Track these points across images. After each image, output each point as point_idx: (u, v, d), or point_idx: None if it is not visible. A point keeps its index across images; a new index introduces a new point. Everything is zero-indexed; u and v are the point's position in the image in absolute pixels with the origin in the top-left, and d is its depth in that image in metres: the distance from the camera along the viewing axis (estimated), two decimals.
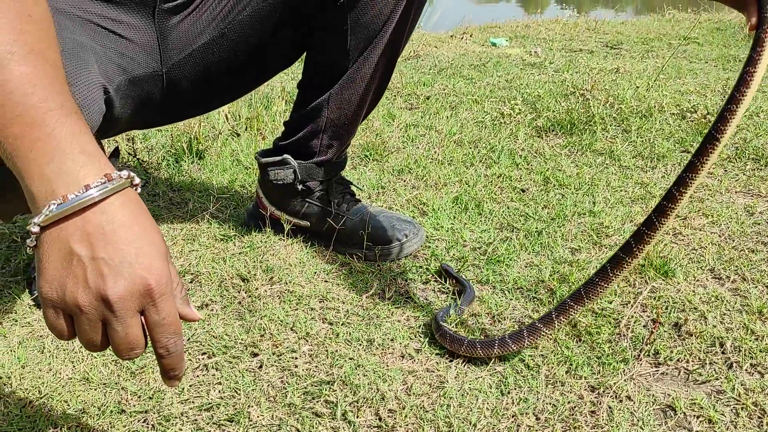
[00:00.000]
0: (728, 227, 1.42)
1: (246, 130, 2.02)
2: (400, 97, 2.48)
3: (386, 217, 1.36)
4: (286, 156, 1.33)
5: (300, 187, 1.34)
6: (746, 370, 0.98)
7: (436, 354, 1.05)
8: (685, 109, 2.17)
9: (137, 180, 0.61)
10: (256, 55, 1.22)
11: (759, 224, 1.44)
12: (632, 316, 1.11)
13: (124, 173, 0.59)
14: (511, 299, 1.19)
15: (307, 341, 1.08)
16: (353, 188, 1.43)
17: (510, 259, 1.30)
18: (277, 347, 1.06)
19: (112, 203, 0.57)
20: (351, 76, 1.22)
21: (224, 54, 1.19)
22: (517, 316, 1.14)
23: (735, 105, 0.83)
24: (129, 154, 1.81)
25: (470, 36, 4.12)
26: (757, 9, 0.83)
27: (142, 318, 0.59)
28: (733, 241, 1.37)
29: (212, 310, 1.17)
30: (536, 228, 1.42)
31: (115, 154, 1.27)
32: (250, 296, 1.19)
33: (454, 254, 1.33)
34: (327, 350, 1.05)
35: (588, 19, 4.47)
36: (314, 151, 1.32)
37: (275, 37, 1.20)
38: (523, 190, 1.63)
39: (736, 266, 1.26)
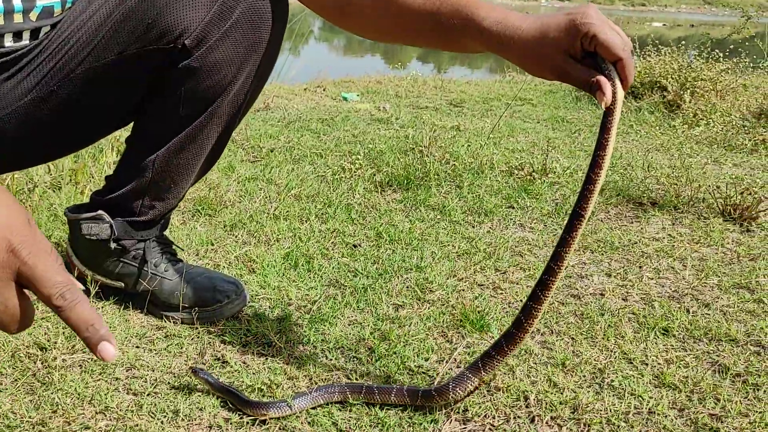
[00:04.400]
0: None
1: (69, 182, 1.89)
2: (243, 150, 2.45)
3: (207, 278, 1.30)
4: (100, 212, 1.25)
5: (114, 245, 1.26)
6: (546, 422, 1.02)
7: (247, 423, 1.01)
8: (513, 166, 2.30)
9: None
10: (87, 114, 1.16)
11: (570, 277, 1.53)
12: (446, 373, 1.13)
13: None
14: (332, 359, 1.17)
15: (105, 415, 1.00)
16: (175, 248, 1.36)
17: (334, 317, 1.29)
18: (69, 424, 0.97)
19: None
20: (182, 142, 1.18)
21: (53, 112, 1.11)
22: (336, 377, 1.12)
23: (592, 185, 0.91)
24: None
25: (324, 90, 4.19)
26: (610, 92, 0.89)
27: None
28: None
29: (0, 384, 1.05)
30: (363, 284, 1.43)
31: None
32: (46, 367, 1.09)
33: (277, 314, 1.30)
34: (126, 425, 0.98)
35: (436, 77, 4.70)
36: (134, 211, 1.25)
37: (108, 97, 1.14)
38: (355, 246, 1.64)
39: (547, 319, 1.33)
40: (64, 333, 1.17)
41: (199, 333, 1.23)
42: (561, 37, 0.91)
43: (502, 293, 1.44)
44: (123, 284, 1.30)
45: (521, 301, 1.40)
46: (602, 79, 0.89)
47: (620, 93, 0.90)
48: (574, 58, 0.92)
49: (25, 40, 1.05)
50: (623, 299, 1.44)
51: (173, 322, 1.26)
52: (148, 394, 1.05)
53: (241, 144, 2.51)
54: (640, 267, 1.60)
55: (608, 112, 0.90)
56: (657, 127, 3.14)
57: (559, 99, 3.96)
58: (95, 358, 1.10)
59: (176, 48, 1.09)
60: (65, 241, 1.54)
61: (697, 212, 1.98)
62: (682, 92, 3.41)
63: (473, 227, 1.82)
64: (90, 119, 1.19)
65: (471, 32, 0.97)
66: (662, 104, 3.46)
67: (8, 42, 1.03)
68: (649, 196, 2.08)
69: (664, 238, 1.79)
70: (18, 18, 1.01)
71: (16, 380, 1.06)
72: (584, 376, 1.14)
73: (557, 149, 2.67)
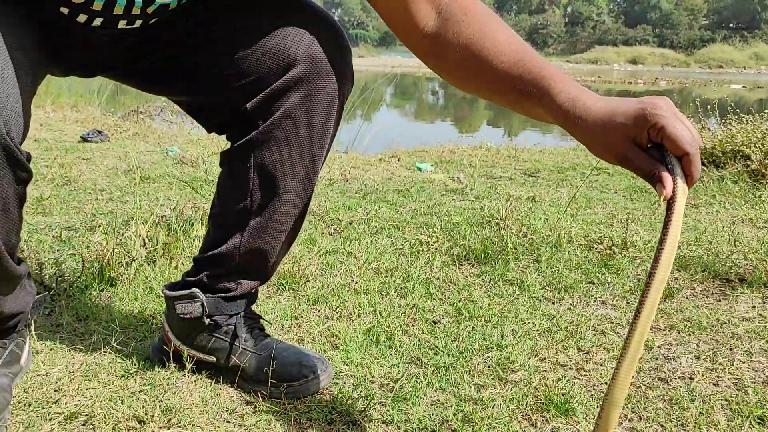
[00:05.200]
0: None
1: (163, 255, 2.00)
2: (323, 222, 2.53)
3: (294, 353, 1.35)
4: (194, 290, 1.32)
5: (207, 321, 1.33)
6: None
7: None
8: (591, 240, 2.28)
9: None
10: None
11: (657, 359, 1.50)
12: None
13: None
14: None
15: None
16: (263, 322, 1.42)
17: (416, 397, 1.30)
18: None
19: None
20: (262, 225, 1.26)
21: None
22: None
23: (651, 279, 0.84)
24: (36, 282, 1.76)
25: (398, 159, 4.29)
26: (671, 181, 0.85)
27: None
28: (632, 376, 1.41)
29: None
30: (444, 363, 1.44)
31: (39, 303, 1.33)
32: None
33: (361, 392, 1.32)
34: None
35: (509, 146, 4.73)
36: (223, 288, 1.32)
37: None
38: (434, 322, 1.66)
39: (634, 404, 1.29)
40: (160, 407, 1.23)
41: (286, 409, 1.26)
42: (628, 124, 0.89)
43: (585, 375, 1.42)
44: (215, 359, 1.35)
45: (606, 383, 1.37)
46: (664, 172, 0.86)
47: (682, 188, 0.85)
48: (639, 146, 0.90)
49: (136, 25, 1.15)
50: (714, 384, 1.39)
51: (261, 397, 1.30)
52: None
53: (321, 217, 2.59)
54: (731, 349, 1.55)
55: (669, 207, 0.85)
56: (741, 198, 3.05)
57: None
58: (190, 431, 1.15)
59: (239, 109, 1.21)
60: (160, 314, 1.63)
61: None
62: (767, 161, 3.32)
63: (553, 304, 1.80)
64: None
65: (544, 103, 0.98)
66: (746, 174, 3.36)
67: (121, 25, 1.12)
68: (736, 272, 2.02)
69: (755, 318, 1.73)
70: (135, 10, 1.11)
71: None
72: None
73: (637, 221, 2.63)
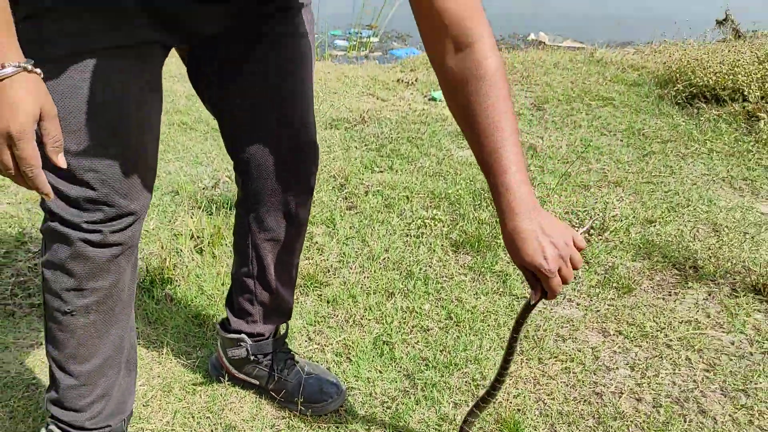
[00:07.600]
0: (575, 375, 1.89)
1: (208, 244, 2.41)
2: (342, 198, 2.88)
3: (316, 380, 1.80)
4: (242, 336, 1.75)
5: (252, 359, 1.77)
6: None
7: None
8: (574, 225, 2.62)
9: (32, 69, 0.98)
10: None
11: (599, 370, 1.91)
12: None
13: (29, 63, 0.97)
14: None
15: None
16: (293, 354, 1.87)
17: (407, 416, 1.76)
18: None
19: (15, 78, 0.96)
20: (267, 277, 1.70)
21: None
22: None
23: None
24: None
25: (416, 80, 4.48)
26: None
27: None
28: (576, 390, 1.84)
29: None
30: (432, 379, 1.88)
31: None
32: None
33: (366, 410, 1.78)
34: None
35: (524, 59, 4.85)
36: (261, 334, 1.75)
37: None
38: (426, 330, 2.08)
39: (570, 421, 1.73)
40: (221, 425, 1.71)
41: (311, 426, 1.73)
42: (525, 264, 1.19)
43: (540, 388, 1.85)
44: (258, 382, 1.82)
45: (553, 399, 1.80)
46: (538, 289, 1.21)
47: (541, 302, 1.24)
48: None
49: None
50: (637, 400, 1.81)
51: (293, 415, 1.77)
52: None
53: (340, 184, 2.94)
54: (662, 359, 1.95)
55: (528, 308, 1.26)
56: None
57: (642, 96, 4.07)
58: None
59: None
60: (211, 318, 2.08)
61: (731, 285, 2.26)
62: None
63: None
64: None
65: (492, 190, 1.19)
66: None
67: None
68: (693, 262, 2.35)
69: (691, 320, 2.09)
70: None
71: None
72: None
73: (623, 184, 2.93)
